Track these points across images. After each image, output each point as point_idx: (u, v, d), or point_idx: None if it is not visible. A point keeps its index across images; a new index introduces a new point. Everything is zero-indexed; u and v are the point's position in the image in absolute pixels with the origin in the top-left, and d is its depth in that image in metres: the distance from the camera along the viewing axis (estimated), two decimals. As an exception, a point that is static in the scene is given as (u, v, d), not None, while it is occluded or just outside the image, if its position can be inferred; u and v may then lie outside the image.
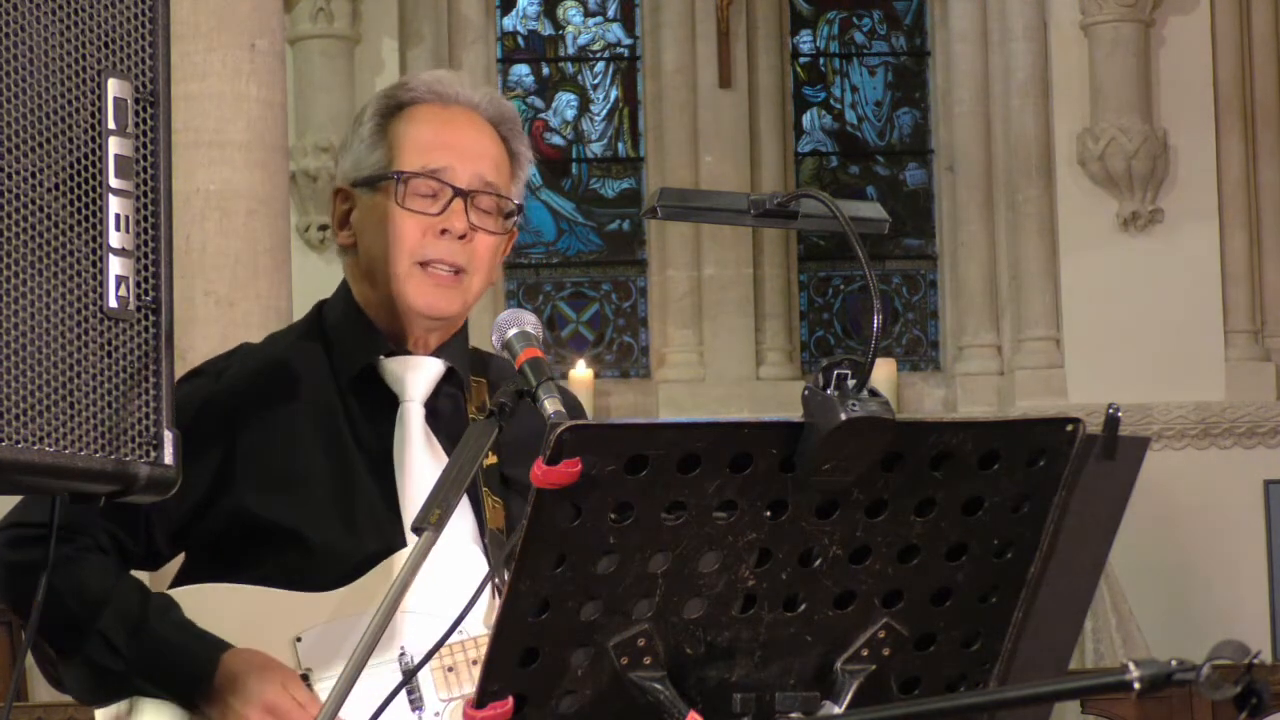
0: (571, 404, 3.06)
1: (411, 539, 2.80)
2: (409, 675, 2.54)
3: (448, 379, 2.99)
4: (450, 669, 2.82)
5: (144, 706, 2.88)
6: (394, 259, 2.94)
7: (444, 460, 2.87)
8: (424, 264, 2.93)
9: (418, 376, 2.97)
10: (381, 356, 2.98)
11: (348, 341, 2.99)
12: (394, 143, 2.98)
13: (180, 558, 3.00)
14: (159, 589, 2.94)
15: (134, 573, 2.95)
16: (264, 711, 2.76)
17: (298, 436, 2.93)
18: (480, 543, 2.89)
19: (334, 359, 2.99)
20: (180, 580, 2.96)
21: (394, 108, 3.01)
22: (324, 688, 2.79)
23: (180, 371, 2.50)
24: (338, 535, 2.87)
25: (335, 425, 2.95)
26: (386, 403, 2.96)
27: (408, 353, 2.98)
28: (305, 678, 2.82)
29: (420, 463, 2.92)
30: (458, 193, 2.93)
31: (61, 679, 2.93)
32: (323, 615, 2.83)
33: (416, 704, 2.82)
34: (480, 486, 2.91)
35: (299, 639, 2.82)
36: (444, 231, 2.93)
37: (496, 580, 2.73)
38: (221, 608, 2.85)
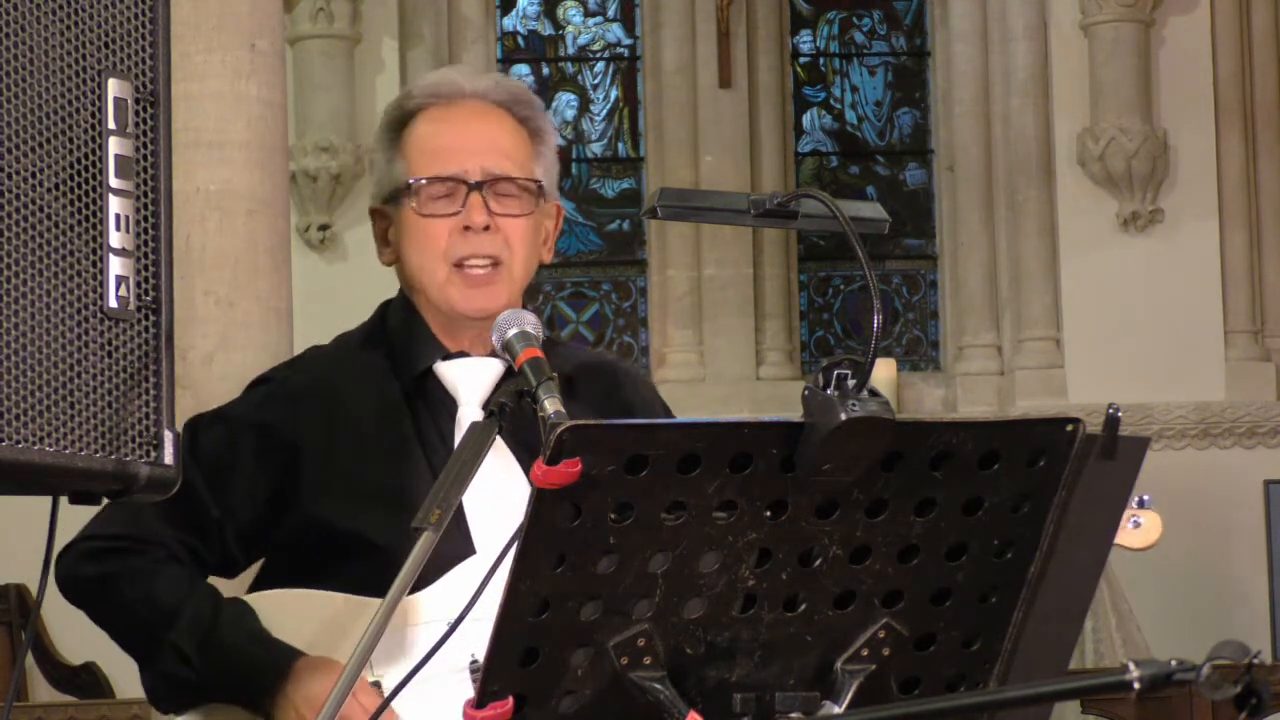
0: (652, 400, 3.08)
1: (480, 545, 2.80)
2: (418, 665, 2.52)
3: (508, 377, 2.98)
4: None
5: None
6: (430, 267, 2.95)
7: (508, 462, 2.87)
8: (459, 264, 2.94)
9: (474, 379, 2.96)
10: (439, 360, 2.98)
11: (406, 347, 3.00)
12: (407, 154, 2.99)
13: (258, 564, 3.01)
14: (239, 592, 2.95)
15: (213, 579, 2.96)
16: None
17: (366, 445, 2.93)
18: None
19: (395, 364, 2.99)
20: (257, 586, 2.97)
21: (402, 119, 3.02)
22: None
23: (181, 371, 2.50)
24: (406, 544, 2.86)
25: (401, 432, 2.95)
26: (448, 406, 2.96)
27: (465, 354, 2.99)
28: (378, 684, 2.80)
29: (482, 468, 2.90)
30: (471, 187, 2.94)
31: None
32: (395, 622, 2.81)
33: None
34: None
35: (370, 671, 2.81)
36: (467, 228, 2.93)
37: None
38: (297, 613, 2.85)
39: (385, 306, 3.08)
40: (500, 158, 2.97)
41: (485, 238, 2.93)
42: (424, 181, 2.95)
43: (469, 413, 2.94)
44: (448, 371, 2.97)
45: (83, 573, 2.91)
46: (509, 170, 2.96)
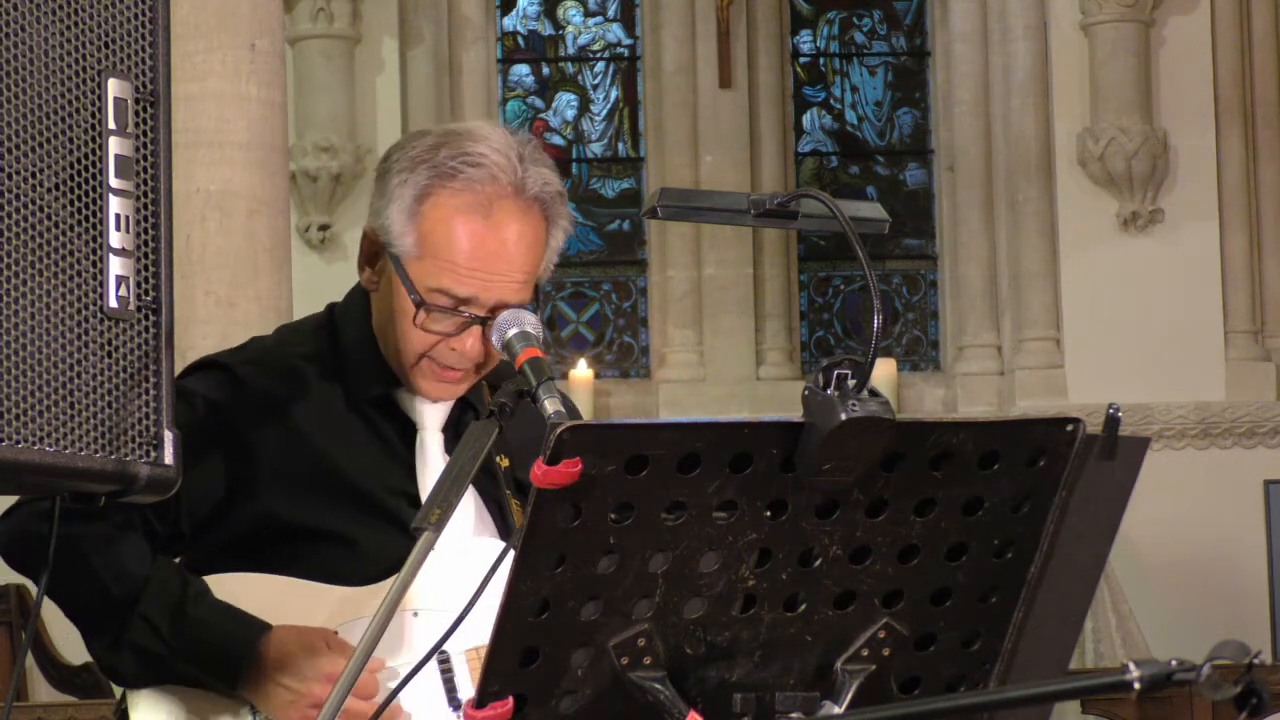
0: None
1: (443, 539, 2.81)
2: (414, 670, 2.53)
3: (463, 407, 2.97)
4: None
5: (138, 702, 2.88)
6: (405, 350, 2.87)
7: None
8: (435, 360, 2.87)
9: (433, 408, 2.95)
10: (394, 389, 2.95)
11: (362, 368, 2.95)
12: (426, 238, 2.83)
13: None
14: None
15: None
16: (327, 682, 2.74)
17: (321, 440, 2.92)
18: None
19: (348, 376, 2.95)
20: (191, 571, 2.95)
21: (434, 186, 2.84)
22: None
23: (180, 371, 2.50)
24: (370, 534, 2.86)
25: (358, 433, 2.93)
26: (406, 426, 2.95)
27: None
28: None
29: (429, 469, 2.91)
30: (477, 320, 2.83)
31: (100, 670, 2.92)
32: (359, 609, 2.82)
33: (455, 704, 2.81)
34: (503, 489, 2.91)
35: (336, 632, 2.82)
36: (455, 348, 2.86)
37: None
38: (259, 598, 2.85)
39: (333, 309, 3.02)
40: (517, 289, 2.85)
41: (471, 355, 2.85)
42: (435, 308, 2.83)
43: (430, 437, 2.93)
44: (405, 398, 2.94)
45: (39, 530, 2.78)
46: (523, 298, 2.85)
